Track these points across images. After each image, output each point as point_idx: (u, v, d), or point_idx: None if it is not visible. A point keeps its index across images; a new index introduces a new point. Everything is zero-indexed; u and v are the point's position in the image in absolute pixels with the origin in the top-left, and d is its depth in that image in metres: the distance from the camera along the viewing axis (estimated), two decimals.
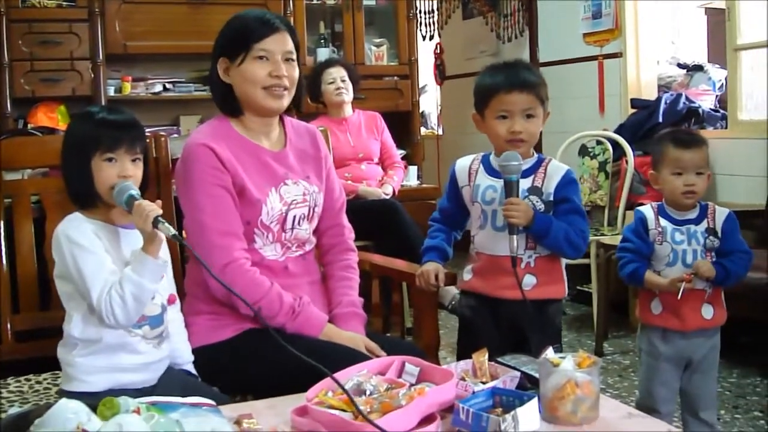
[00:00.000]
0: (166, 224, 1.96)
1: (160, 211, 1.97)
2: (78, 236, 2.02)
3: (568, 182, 2.44)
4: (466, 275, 2.53)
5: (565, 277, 2.52)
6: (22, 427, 1.58)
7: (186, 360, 2.26)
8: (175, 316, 2.24)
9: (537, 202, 2.41)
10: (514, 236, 2.33)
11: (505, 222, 2.37)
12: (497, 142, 2.43)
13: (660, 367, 2.62)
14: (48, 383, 2.36)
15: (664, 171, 2.56)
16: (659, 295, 2.58)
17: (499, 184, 2.40)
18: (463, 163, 2.55)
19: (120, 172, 2.06)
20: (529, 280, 2.43)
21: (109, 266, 2.01)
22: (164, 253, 2.07)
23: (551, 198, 2.42)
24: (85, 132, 2.10)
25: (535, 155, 2.47)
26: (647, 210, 2.61)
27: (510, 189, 2.34)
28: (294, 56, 2.37)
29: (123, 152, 2.07)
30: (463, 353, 2.46)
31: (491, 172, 2.46)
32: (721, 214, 2.58)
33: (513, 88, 2.38)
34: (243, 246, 2.30)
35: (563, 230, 2.38)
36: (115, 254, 2.06)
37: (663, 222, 2.57)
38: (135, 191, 2.03)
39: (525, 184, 2.41)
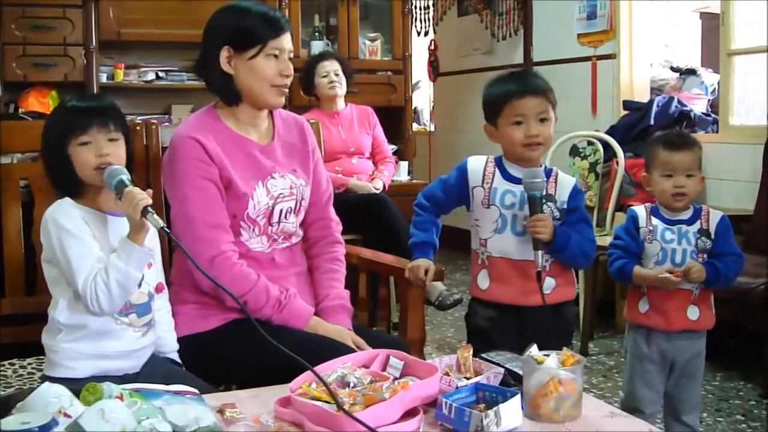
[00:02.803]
0: (155, 215, 1.95)
1: (150, 201, 1.97)
2: (66, 221, 2.01)
3: (577, 192, 2.49)
4: (483, 283, 2.50)
5: (575, 280, 2.56)
6: (3, 411, 1.57)
7: (170, 349, 2.26)
8: (162, 305, 2.24)
9: (553, 209, 2.44)
10: (539, 252, 2.36)
11: (524, 227, 2.39)
12: (513, 148, 2.43)
13: (644, 369, 2.63)
14: (32, 368, 2.35)
15: (655, 173, 2.58)
16: (647, 293, 2.60)
17: (518, 189, 2.42)
18: (476, 164, 2.51)
19: (96, 152, 2.05)
20: (549, 283, 2.44)
21: (96, 253, 2.01)
22: (150, 241, 2.06)
23: (565, 206, 2.45)
24: (57, 121, 2.10)
25: (543, 165, 2.49)
26: (640, 209, 2.64)
27: (534, 205, 2.36)
28: (292, 54, 2.39)
29: (96, 133, 2.05)
30: None
31: (508, 177, 2.46)
32: (715, 216, 2.59)
33: (525, 93, 2.39)
34: (230, 239, 2.30)
35: (579, 243, 2.42)
36: (102, 241, 2.05)
37: (654, 221, 2.59)
38: (126, 176, 2.02)
39: None
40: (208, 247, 2.24)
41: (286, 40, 2.34)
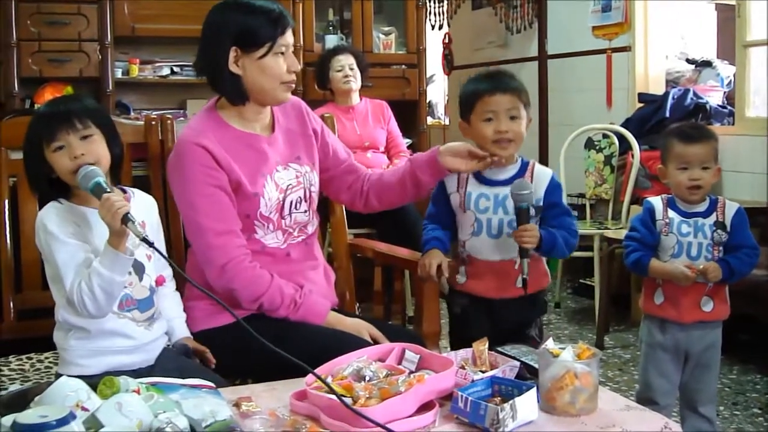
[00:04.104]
0: (136, 224, 1.91)
1: (129, 208, 1.93)
2: (52, 226, 2.01)
3: (555, 187, 2.48)
4: (460, 278, 2.53)
5: (547, 268, 2.56)
6: (21, 404, 1.59)
7: (180, 334, 2.27)
8: (168, 286, 2.26)
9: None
10: (525, 260, 2.36)
11: (500, 228, 2.41)
12: (485, 144, 2.44)
13: (657, 357, 2.63)
14: (49, 362, 2.37)
15: (670, 165, 2.57)
16: (662, 285, 2.60)
17: (491, 192, 2.44)
18: None
19: (71, 154, 2.02)
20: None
21: (81, 256, 2.00)
22: (151, 229, 2.05)
23: (541, 203, 2.44)
24: (30, 132, 2.08)
25: (519, 160, 2.48)
26: (656, 201, 2.63)
27: (522, 216, 2.35)
28: (293, 48, 2.39)
29: (65, 135, 2.02)
30: (455, 346, 2.47)
31: (482, 180, 2.47)
32: (731, 208, 2.58)
33: (496, 90, 2.42)
34: (241, 242, 2.28)
35: (562, 239, 2.42)
36: (93, 239, 2.04)
37: (671, 213, 2.58)
38: (101, 179, 1.98)
39: None
40: (218, 254, 2.24)
41: (290, 36, 2.32)
